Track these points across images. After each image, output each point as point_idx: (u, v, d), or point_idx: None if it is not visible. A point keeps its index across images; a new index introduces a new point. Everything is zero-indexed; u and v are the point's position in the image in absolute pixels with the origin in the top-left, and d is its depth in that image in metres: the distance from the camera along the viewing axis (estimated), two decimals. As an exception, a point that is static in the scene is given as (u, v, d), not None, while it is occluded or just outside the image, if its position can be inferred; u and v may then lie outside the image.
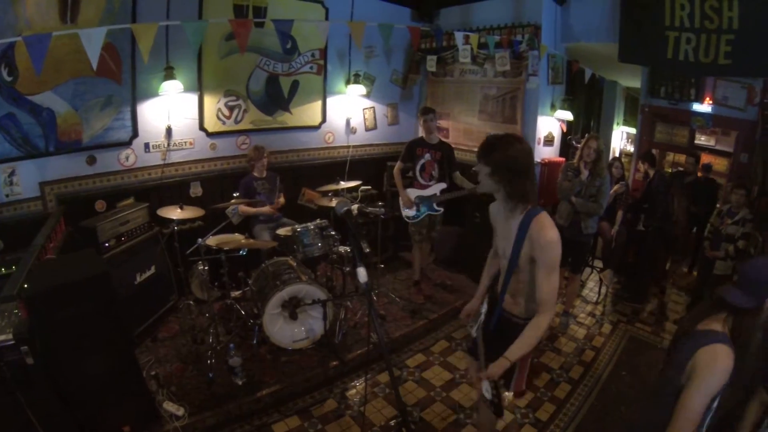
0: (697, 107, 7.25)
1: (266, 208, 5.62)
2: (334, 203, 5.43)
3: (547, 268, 2.44)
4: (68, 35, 3.61)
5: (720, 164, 7.97)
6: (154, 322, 4.99)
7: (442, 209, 5.87)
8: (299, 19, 4.40)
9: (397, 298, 6.02)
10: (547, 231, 2.44)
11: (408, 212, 5.87)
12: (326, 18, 6.38)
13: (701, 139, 8.21)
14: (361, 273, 2.00)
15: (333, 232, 5.19)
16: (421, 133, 5.89)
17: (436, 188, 5.80)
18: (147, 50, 3.80)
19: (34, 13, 4.36)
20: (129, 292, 4.59)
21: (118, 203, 5.11)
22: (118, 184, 5.24)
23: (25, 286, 3.00)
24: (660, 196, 6.22)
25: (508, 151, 2.45)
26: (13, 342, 2.72)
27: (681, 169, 6.93)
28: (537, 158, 6.54)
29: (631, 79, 9.10)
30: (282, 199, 5.89)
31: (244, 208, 5.57)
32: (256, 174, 5.69)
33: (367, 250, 2.09)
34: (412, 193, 5.84)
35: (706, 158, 8.13)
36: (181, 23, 4.00)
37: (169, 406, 3.80)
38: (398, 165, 5.95)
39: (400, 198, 5.89)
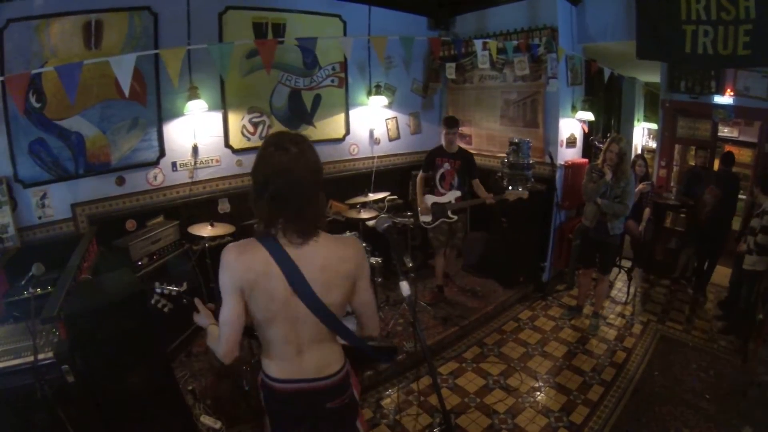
0: (718, 99, 7.18)
1: None
2: (362, 215, 5.53)
3: None
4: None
5: (744, 155, 7.88)
6: (188, 337, 5.05)
7: (456, 217, 5.89)
8: (323, 37, 4.43)
9: (428, 306, 6.04)
10: None
11: (425, 218, 5.95)
12: (344, 31, 6.42)
13: (724, 131, 8.13)
14: (404, 287, 2.00)
15: (364, 244, 5.17)
16: (441, 142, 5.90)
17: (451, 196, 5.87)
18: (176, 74, 3.86)
19: (59, 42, 4.48)
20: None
21: (148, 222, 5.18)
22: (148, 203, 5.31)
23: (63, 306, 3.06)
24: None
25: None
26: (54, 361, 2.78)
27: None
28: (560, 161, 6.56)
29: (651, 75, 9.01)
30: None
31: None
32: None
33: (410, 264, 2.04)
34: (430, 199, 5.94)
35: (729, 150, 8.07)
36: (207, 46, 4.05)
37: (207, 420, 3.84)
38: (420, 174, 6.09)
39: (418, 204, 6.02)
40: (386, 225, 2.22)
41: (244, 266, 1.90)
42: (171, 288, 2.67)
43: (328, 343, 2.11)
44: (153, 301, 2.60)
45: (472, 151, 6.18)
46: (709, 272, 6.80)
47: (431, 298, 6.19)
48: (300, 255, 1.93)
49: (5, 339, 2.93)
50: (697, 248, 6.78)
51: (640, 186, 6.24)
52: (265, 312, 1.96)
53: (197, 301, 2.28)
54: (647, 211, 6.48)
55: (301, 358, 2.06)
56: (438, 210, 5.85)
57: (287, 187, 1.86)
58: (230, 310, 1.93)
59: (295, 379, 2.07)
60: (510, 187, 6.01)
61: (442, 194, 5.90)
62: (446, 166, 5.85)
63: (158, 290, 2.60)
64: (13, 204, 4.45)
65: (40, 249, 4.49)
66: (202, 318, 2.29)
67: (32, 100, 4.41)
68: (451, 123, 5.83)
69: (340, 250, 2.01)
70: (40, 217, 4.64)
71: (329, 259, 1.96)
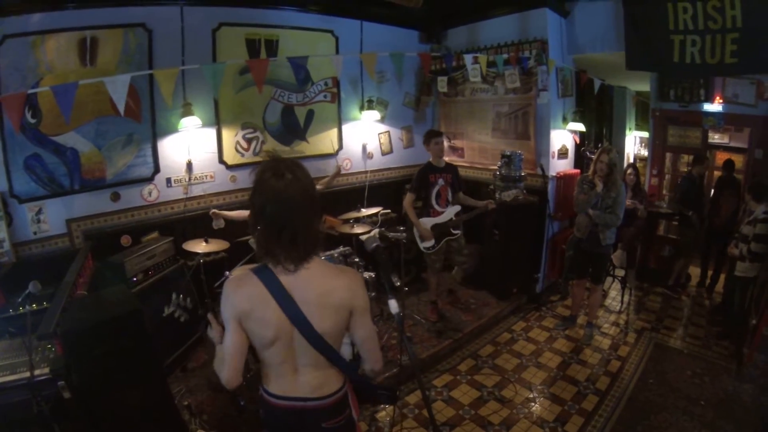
0: (707, 107, 7.26)
1: None
2: (355, 230, 5.51)
3: None
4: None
5: (736, 161, 7.95)
6: (183, 352, 5.03)
7: (459, 232, 5.78)
8: (314, 56, 4.49)
9: (422, 319, 6.05)
10: None
11: (426, 244, 5.73)
12: (336, 46, 6.48)
13: (715, 138, 8.24)
14: (392, 305, 2.03)
15: (357, 259, 5.20)
16: (429, 157, 5.77)
17: (451, 212, 5.70)
18: (169, 94, 3.93)
19: (55, 58, 4.55)
20: (157, 325, 4.65)
21: (142, 238, 5.19)
22: (142, 219, 5.34)
23: (60, 323, 3.07)
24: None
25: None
26: (50, 377, 2.80)
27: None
28: (552, 172, 6.59)
29: (641, 84, 9.10)
30: None
31: None
32: None
33: (398, 283, 2.03)
34: (429, 222, 5.68)
35: (720, 156, 8.16)
36: (201, 67, 4.10)
37: (203, 436, 3.86)
38: (410, 197, 5.72)
39: (416, 230, 5.70)
40: (374, 245, 2.26)
41: (240, 298, 1.95)
42: (188, 301, 2.70)
43: (325, 368, 2.11)
44: (170, 310, 2.65)
45: (464, 164, 6.19)
46: (716, 278, 6.94)
47: (435, 316, 6.08)
48: (293, 284, 1.95)
49: (1, 355, 2.96)
50: (703, 255, 6.85)
51: (628, 203, 6.22)
52: (261, 339, 1.99)
53: (210, 317, 2.31)
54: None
55: (297, 377, 2.08)
56: (441, 232, 5.68)
57: (282, 213, 1.88)
58: (231, 339, 1.98)
59: (291, 396, 2.08)
60: (502, 192, 5.92)
61: (439, 213, 5.71)
62: (440, 182, 5.68)
63: (175, 300, 2.65)
64: (9, 219, 4.48)
65: (36, 264, 4.54)
66: (213, 333, 2.33)
67: (28, 115, 4.47)
68: (434, 133, 5.76)
69: (333, 278, 2.01)
70: (35, 233, 4.67)
71: (322, 288, 1.97)
